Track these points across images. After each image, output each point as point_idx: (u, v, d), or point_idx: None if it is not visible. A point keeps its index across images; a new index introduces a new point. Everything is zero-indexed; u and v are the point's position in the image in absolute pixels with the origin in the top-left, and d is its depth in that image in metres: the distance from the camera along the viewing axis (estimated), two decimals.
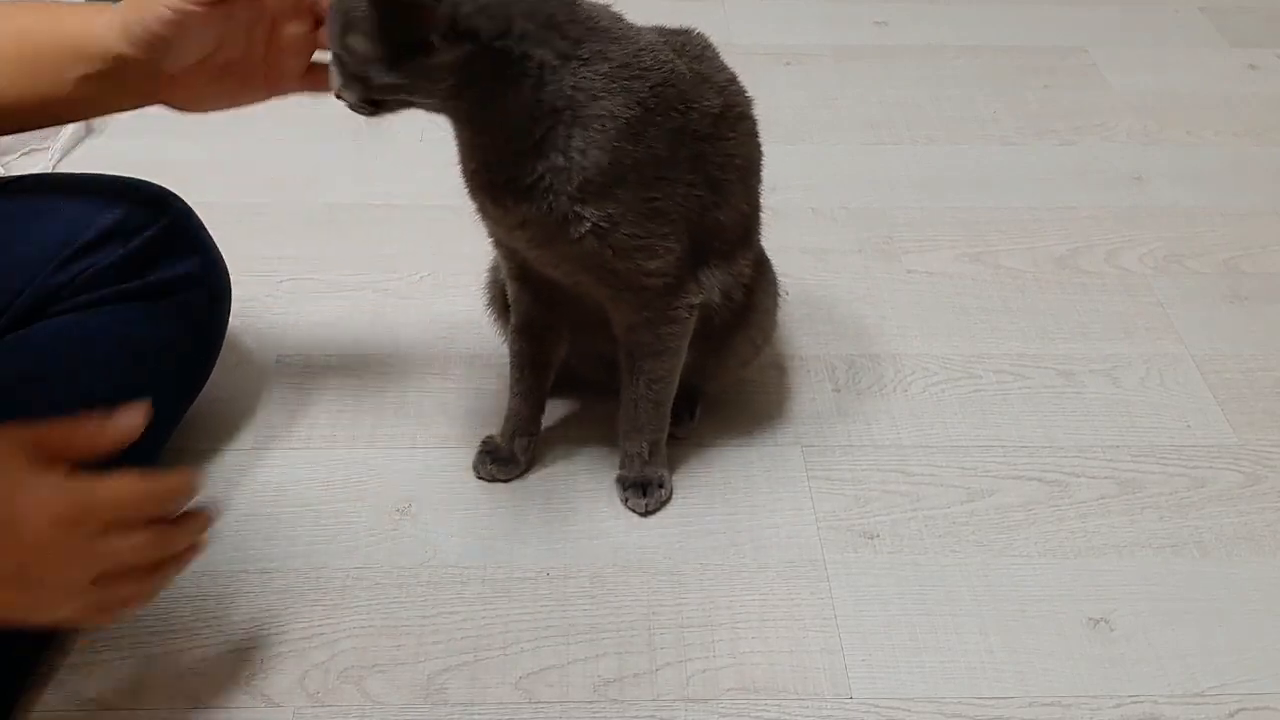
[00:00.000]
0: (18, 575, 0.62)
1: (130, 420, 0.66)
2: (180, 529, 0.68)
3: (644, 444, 0.93)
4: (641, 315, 0.85)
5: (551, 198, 0.75)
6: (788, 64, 1.58)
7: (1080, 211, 1.31)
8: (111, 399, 0.86)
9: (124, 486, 0.65)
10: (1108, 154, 1.42)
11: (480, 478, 0.96)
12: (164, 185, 0.97)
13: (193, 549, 0.70)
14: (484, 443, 0.97)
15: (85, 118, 0.83)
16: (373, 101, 0.73)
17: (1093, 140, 1.44)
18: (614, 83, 0.74)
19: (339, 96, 0.74)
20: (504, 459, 0.96)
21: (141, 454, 0.92)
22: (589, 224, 0.76)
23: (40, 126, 0.85)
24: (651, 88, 0.75)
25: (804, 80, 1.55)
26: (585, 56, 0.73)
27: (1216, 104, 1.52)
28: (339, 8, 0.69)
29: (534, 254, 0.83)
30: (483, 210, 0.81)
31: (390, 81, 0.70)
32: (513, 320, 0.92)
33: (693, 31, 0.84)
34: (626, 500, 0.94)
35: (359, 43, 0.69)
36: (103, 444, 0.66)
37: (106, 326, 0.88)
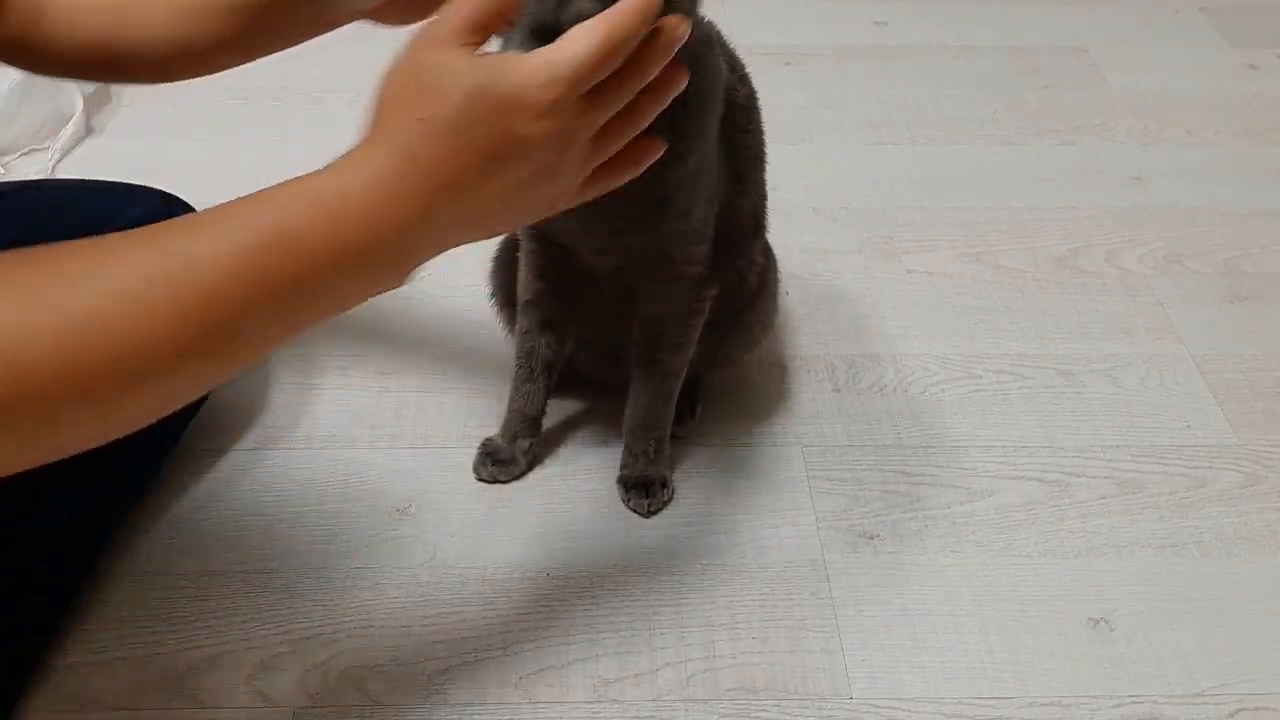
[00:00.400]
0: (536, 181, 0.58)
1: None
2: (652, 52, 0.58)
3: (651, 442, 0.93)
4: (671, 306, 0.86)
5: (658, 184, 0.72)
6: (788, 64, 1.58)
7: (1080, 211, 1.31)
8: None
9: (584, 48, 0.55)
10: (1108, 154, 1.42)
11: (481, 479, 0.96)
12: (164, 186, 0.97)
13: (675, 70, 0.60)
14: (484, 444, 0.97)
15: (275, 50, 0.81)
16: None
17: (1093, 140, 1.44)
18: (719, 67, 0.74)
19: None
20: (505, 460, 0.96)
21: (149, 458, 0.93)
22: (676, 209, 0.76)
23: (235, 65, 0.82)
24: (724, 76, 0.76)
25: (804, 80, 1.55)
26: (708, 37, 0.72)
27: (1216, 104, 1.52)
28: None
29: (604, 242, 0.81)
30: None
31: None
32: (526, 320, 0.92)
33: (704, 18, 0.83)
34: (629, 501, 0.94)
35: None
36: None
37: None
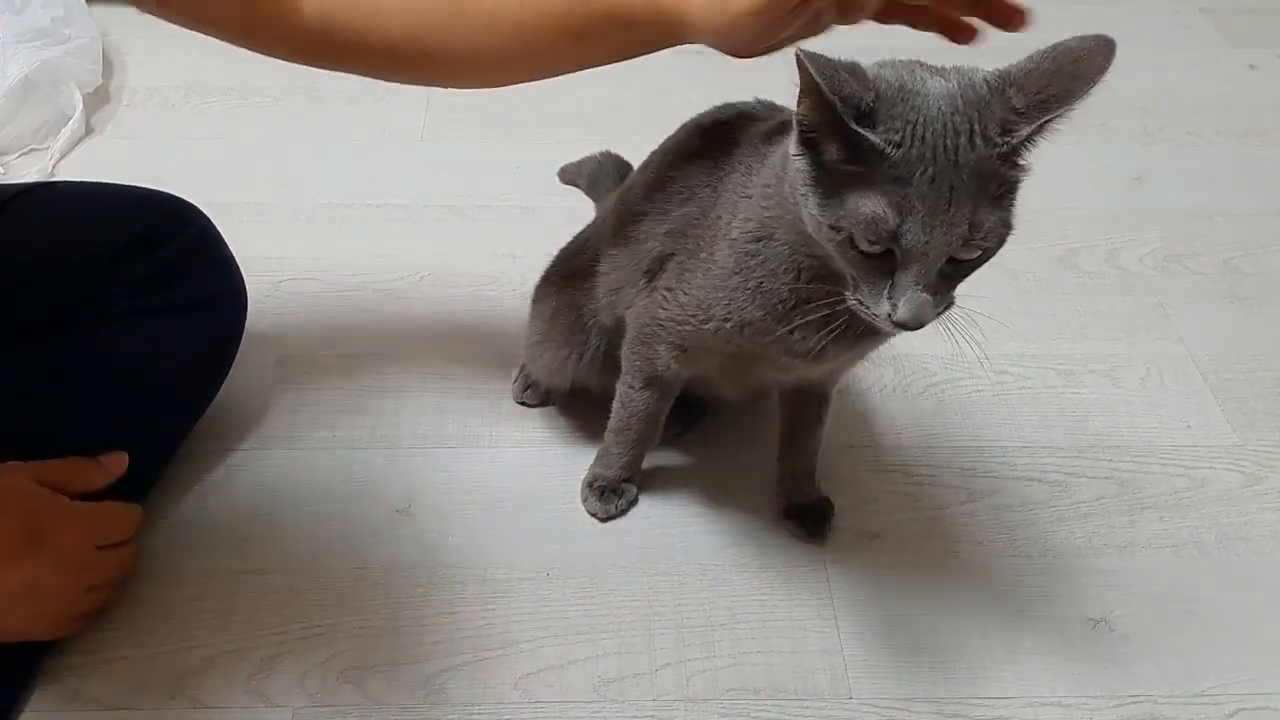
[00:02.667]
0: (36, 589, 0.74)
1: (117, 465, 0.82)
2: (132, 547, 0.84)
3: (814, 470, 0.93)
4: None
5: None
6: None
7: (1080, 211, 1.31)
8: (130, 409, 0.88)
9: (117, 509, 0.81)
10: (1108, 154, 1.42)
11: (610, 517, 0.93)
12: (164, 186, 0.97)
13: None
14: (594, 481, 0.93)
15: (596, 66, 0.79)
16: (952, 300, 0.65)
17: (1093, 140, 1.44)
18: None
19: (915, 328, 0.63)
20: (621, 491, 0.93)
21: (156, 463, 0.93)
22: None
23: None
24: None
25: None
26: None
27: (1216, 104, 1.52)
28: (962, 190, 0.58)
29: (836, 365, 0.81)
30: (823, 355, 0.73)
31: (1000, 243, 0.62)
32: (649, 395, 0.87)
33: None
34: (801, 531, 0.92)
35: (992, 216, 0.60)
36: (93, 483, 0.80)
37: (131, 337, 0.89)
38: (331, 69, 0.80)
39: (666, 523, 0.94)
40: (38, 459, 0.79)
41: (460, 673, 0.82)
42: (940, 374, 1.09)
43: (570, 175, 1.24)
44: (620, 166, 1.17)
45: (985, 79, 0.61)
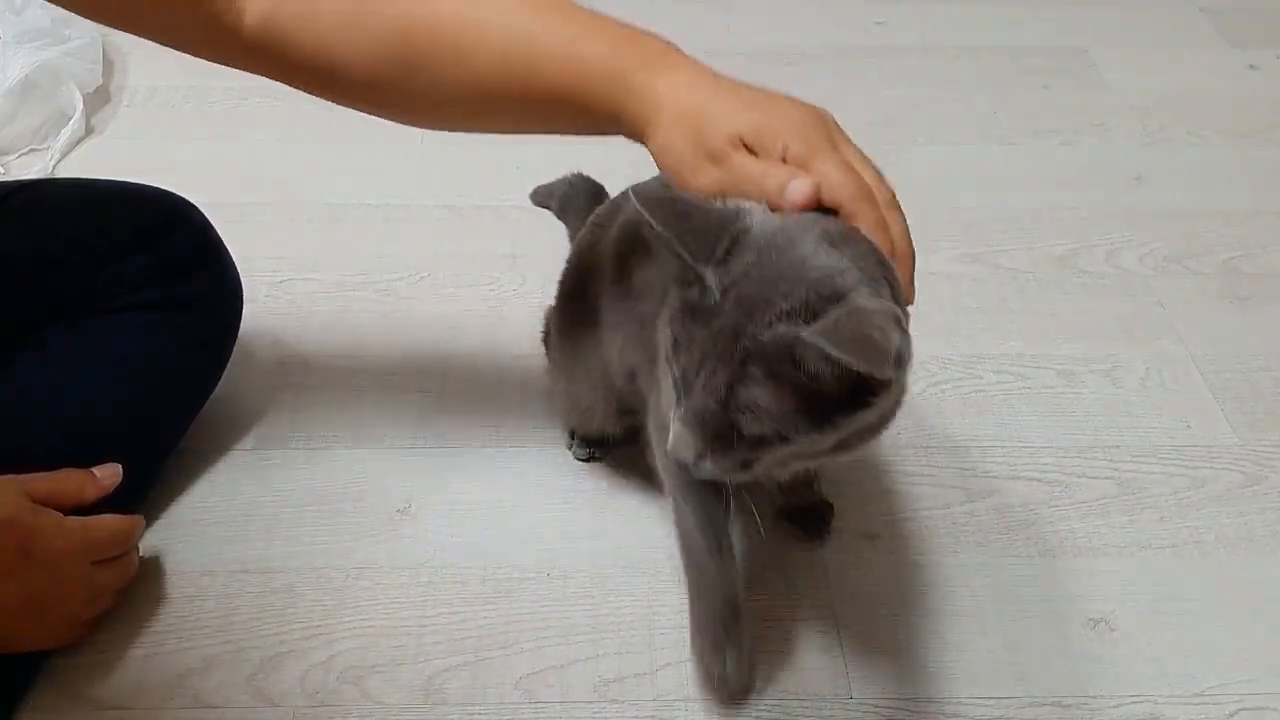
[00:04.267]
0: (35, 604, 0.73)
1: (111, 478, 0.81)
2: (130, 557, 0.83)
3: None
4: None
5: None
6: (788, 64, 1.58)
7: (1080, 211, 1.31)
8: (127, 407, 0.88)
9: (112, 524, 0.80)
10: (1108, 154, 1.42)
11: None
12: (164, 186, 0.97)
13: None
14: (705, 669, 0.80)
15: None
16: (747, 463, 0.59)
17: (1093, 140, 1.44)
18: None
19: (692, 464, 0.59)
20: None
21: (148, 463, 0.93)
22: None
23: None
24: None
25: (804, 80, 1.55)
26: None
27: (1216, 104, 1.52)
28: (728, 354, 0.55)
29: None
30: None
31: (825, 447, 0.57)
32: (698, 499, 0.80)
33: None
34: (807, 533, 0.91)
35: (763, 396, 0.55)
36: (87, 497, 0.79)
37: (127, 334, 0.89)
38: (287, 84, 0.80)
39: (667, 522, 0.93)
40: (35, 457, 0.79)
41: (460, 673, 0.82)
42: (940, 374, 1.09)
43: (541, 197, 1.23)
44: (592, 189, 1.17)
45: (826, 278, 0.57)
